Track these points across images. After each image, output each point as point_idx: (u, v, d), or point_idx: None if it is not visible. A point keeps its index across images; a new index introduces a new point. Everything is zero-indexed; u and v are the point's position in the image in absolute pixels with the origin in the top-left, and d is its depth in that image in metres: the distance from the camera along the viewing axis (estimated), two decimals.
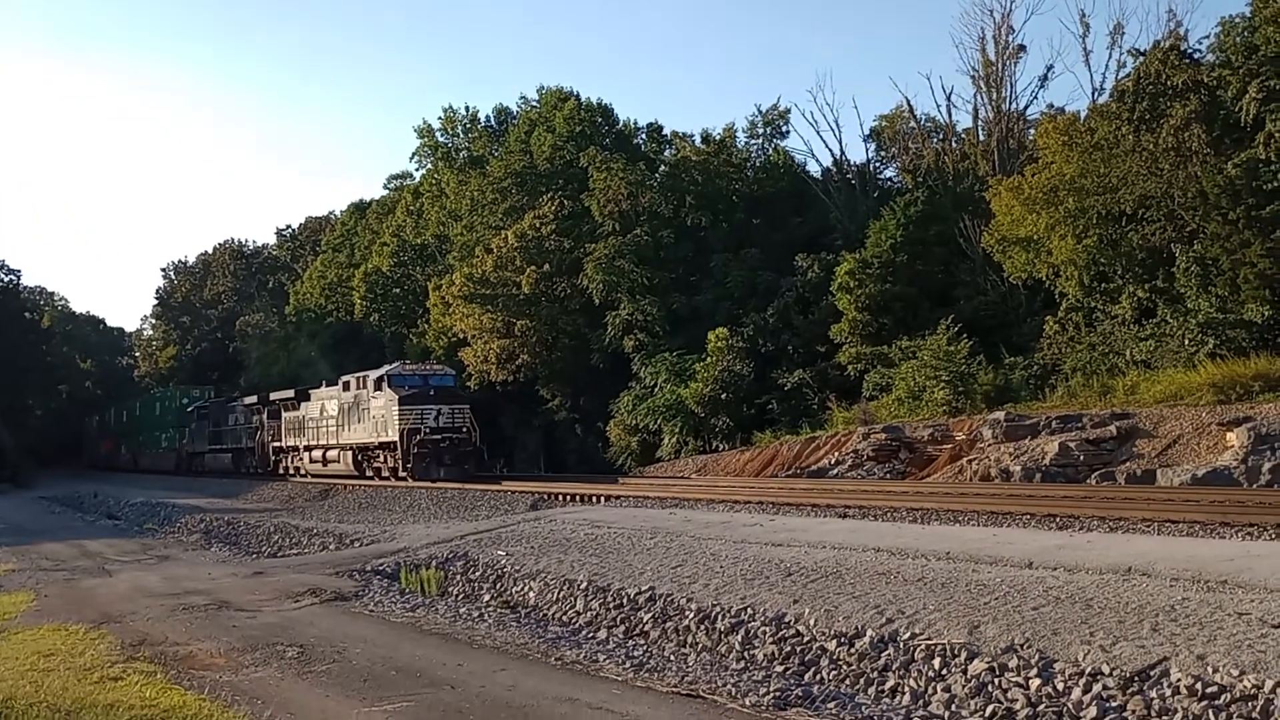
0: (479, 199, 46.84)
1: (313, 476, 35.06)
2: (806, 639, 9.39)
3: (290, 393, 38.48)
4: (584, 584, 12.52)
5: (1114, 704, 7.08)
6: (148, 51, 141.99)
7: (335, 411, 33.81)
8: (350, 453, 32.84)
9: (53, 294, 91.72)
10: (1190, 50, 27.09)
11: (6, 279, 66.08)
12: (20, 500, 41.64)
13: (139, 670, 8.90)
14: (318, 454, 35.12)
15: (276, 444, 39.22)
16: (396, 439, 29.52)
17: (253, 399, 42.68)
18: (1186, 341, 24.54)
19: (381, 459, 31.16)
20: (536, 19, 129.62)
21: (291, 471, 37.73)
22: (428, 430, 29.16)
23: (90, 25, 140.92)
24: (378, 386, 31.10)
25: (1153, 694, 7.02)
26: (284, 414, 38.53)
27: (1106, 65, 36.66)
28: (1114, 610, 8.43)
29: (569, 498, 23.16)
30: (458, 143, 54.34)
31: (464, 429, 29.86)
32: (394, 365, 33.15)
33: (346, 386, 33.28)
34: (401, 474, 29.51)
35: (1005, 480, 21.45)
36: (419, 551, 16.65)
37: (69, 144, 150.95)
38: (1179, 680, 7.03)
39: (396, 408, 29.63)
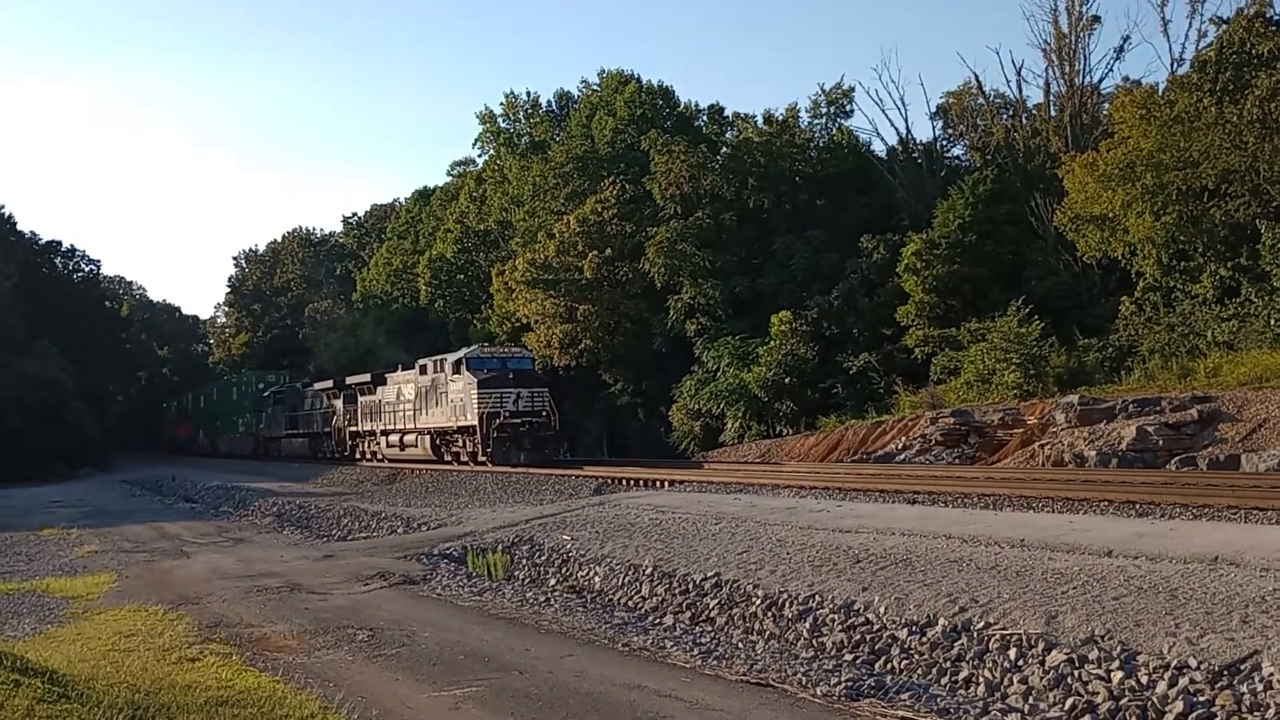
0: (541, 184, 47.00)
1: (390, 461, 35.00)
2: (877, 627, 9.23)
3: (366, 376, 38.23)
4: (649, 569, 12.47)
5: (1201, 699, 6.81)
6: (211, 45, 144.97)
7: (412, 395, 33.47)
8: (428, 437, 32.47)
9: (131, 283, 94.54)
10: (1276, 17, 26.06)
11: (87, 269, 68.30)
12: (103, 484, 42.91)
13: (215, 652, 9.07)
14: (395, 438, 34.85)
15: (353, 428, 38.99)
16: (475, 423, 29.09)
17: (328, 383, 42.58)
18: (1272, 321, 23.73)
19: (460, 443, 30.74)
20: (597, 1, 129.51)
21: (368, 456, 37.62)
22: (507, 414, 28.74)
23: (160, 15, 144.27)
24: (456, 370, 30.64)
25: (1243, 688, 6.74)
26: (360, 398, 38.31)
27: (1186, 35, 35.69)
28: (1200, 601, 8.13)
29: (632, 482, 23.08)
30: (519, 128, 54.59)
31: (543, 412, 29.39)
32: (472, 348, 32.57)
33: (424, 370, 32.84)
34: (481, 458, 29.16)
35: (1080, 465, 20.93)
36: (485, 535, 16.76)
37: (146, 138, 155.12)
38: (1271, 674, 6.75)
39: (475, 391, 29.11)
